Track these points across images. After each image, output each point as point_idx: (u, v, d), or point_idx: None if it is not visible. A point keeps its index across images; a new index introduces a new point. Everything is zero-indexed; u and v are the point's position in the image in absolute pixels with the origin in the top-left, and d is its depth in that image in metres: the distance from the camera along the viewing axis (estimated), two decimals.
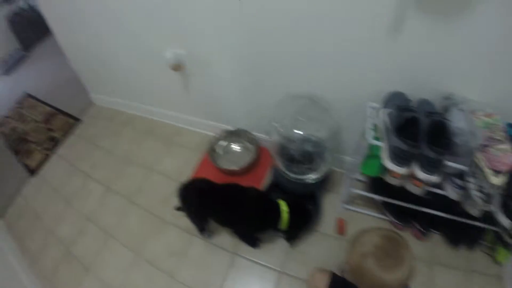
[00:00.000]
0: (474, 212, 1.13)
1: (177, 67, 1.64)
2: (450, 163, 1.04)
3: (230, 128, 1.93)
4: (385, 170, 1.17)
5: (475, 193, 1.04)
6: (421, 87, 1.18)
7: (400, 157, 1.06)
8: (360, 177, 1.60)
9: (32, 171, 2.45)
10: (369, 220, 1.57)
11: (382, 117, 1.16)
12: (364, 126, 1.18)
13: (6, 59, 4.09)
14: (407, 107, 1.11)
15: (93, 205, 1.97)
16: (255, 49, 1.40)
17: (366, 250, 0.91)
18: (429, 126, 1.04)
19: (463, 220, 1.30)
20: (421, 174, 1.06)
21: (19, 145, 2.79)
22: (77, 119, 2.73)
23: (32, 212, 2.10)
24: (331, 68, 1.29)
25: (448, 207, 1.32)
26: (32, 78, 3.76)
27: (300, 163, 1.50)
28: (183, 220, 1.56)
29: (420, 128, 1.05)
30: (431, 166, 1.04)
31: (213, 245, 1.57)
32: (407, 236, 1.50)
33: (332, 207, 1.62)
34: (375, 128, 1.16)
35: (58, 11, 1.95)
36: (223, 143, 1.94)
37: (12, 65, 4.07)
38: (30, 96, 3.39)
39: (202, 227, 1.56)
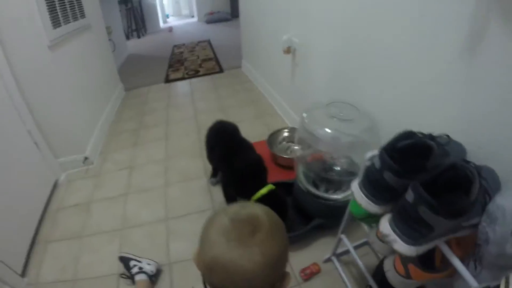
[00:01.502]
0: None
1: (288, 49, 1.84)
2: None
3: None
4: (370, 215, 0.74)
5: None
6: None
7: (375, 185, 0.67)
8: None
9: (167, 81, 3.09)
10: None
11: None
12: None
13: (214, 14, 5.32)
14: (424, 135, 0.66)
15: (177, 117, 2.38)
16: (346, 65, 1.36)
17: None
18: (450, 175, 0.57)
19: None
20: (387, 230, 0.61)
21: (174, 63, 3.56)
22: (221, 70, 3.28)
23: (144, 99, 2.73)
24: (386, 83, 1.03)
25: None
26: (218, 32, 4.69)
27: (322, 177, 1.29)
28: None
29: (427, 159, 0.62)
30: (408, 224, 0.58)
31: (208, 192, 1.62)
32: None
33: (321, 249, 1.27)
34: None
35: None
36: (286, 134, 1.95)
37: (214, 19, 5.27)
38: (208, 41, 4.22)
39: (214, 170, 1.64)
